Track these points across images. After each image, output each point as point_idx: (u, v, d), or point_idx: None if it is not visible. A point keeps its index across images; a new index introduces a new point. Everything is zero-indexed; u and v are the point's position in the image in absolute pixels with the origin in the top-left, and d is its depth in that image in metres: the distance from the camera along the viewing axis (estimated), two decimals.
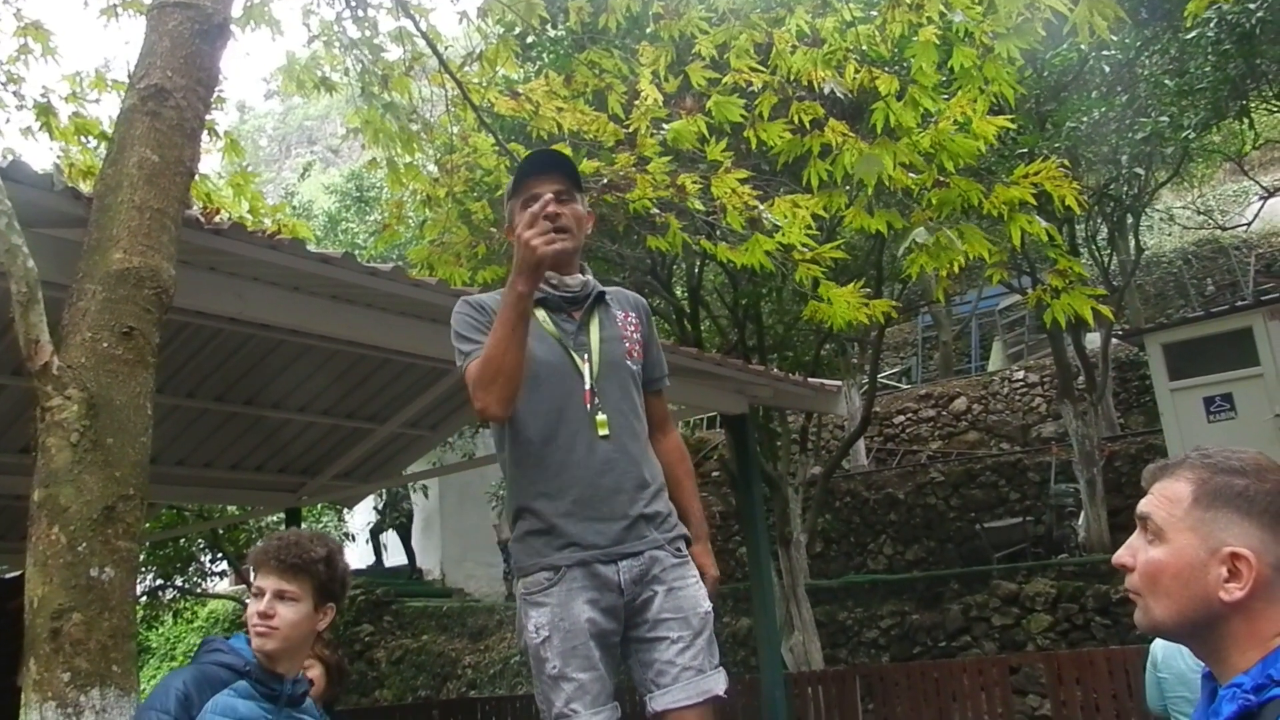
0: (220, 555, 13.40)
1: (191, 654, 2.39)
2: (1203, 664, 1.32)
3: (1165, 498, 1.31)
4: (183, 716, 2.10)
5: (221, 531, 12.46)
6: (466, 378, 2.40)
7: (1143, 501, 1.34)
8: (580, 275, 2.60)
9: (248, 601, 2.29)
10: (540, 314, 2.54)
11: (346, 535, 14.67)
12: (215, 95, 3.53)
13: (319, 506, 12.85)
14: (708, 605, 2.44)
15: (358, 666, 14.00)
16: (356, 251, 9.53)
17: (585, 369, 2.47)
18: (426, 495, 15.27)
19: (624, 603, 2.37)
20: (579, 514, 2.38)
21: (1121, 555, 1.34)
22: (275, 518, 11.74)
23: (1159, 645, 3.86)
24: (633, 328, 2.62)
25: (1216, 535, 1.26)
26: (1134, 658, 6.19)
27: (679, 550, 2.46)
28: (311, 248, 3.90)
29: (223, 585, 16.13)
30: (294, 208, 15.65)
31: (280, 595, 2.20)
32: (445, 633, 13.78)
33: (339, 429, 7.69)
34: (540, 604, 2.37)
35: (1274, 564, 1.24)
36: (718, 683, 2.37)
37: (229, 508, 11.36)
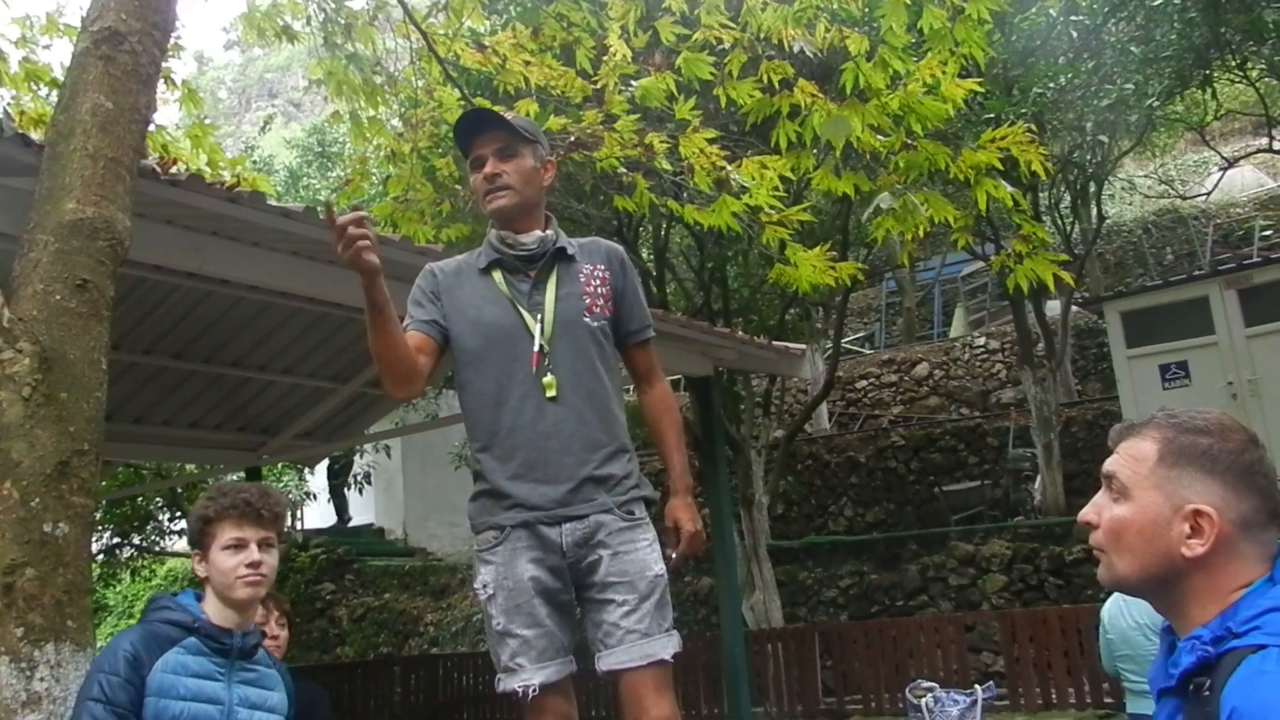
0: (179, 514, 13.27)
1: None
2: (1160, 619, 1.35)
3: (1130, 456, 1.33)
4: (133, 678, 2.08)
5: (180, 490, 12.34)
6: None
7: (1108, 460, 1.36)
8: (538, 231, 2.54)
9: (209, 556, 2.24)
10: (496, 275, 2.53)
11: (308, 495, 14.58)
12: (172, 41, 3.43)
13: (279, 466, 12.74)
14: (658, 569, 2.42)
15: (319, 624, 13.99)
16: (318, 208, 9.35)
17: (536, 329, 2.45)
18: (389, 455, 15.19)
19: (567, 565, 2.39)
20: (526, 476, 2.39)
21: (1086, 513, 1.36)
22: (235, 477, 11.65)
23: (1107, 606, 3.96)
24: (599, 281, 2.55)
25: (1180, 493, 1.28)
26: (1086, 616, 6.35)
27: (630, 513, 2.44)
28: (272, 202, 3.82)
29: (181, 544, 15.98)
30: (254, 162, 15.34)
31: (264, 544, 2.21)
32: (407, 591, 13.79)
33: (300, 388, 7.62)
34: (487, 562, 2.42)
35: (1235, 521, 1.26)
36: (664, 647, 2.37)
37: (188, 466, 11.24)
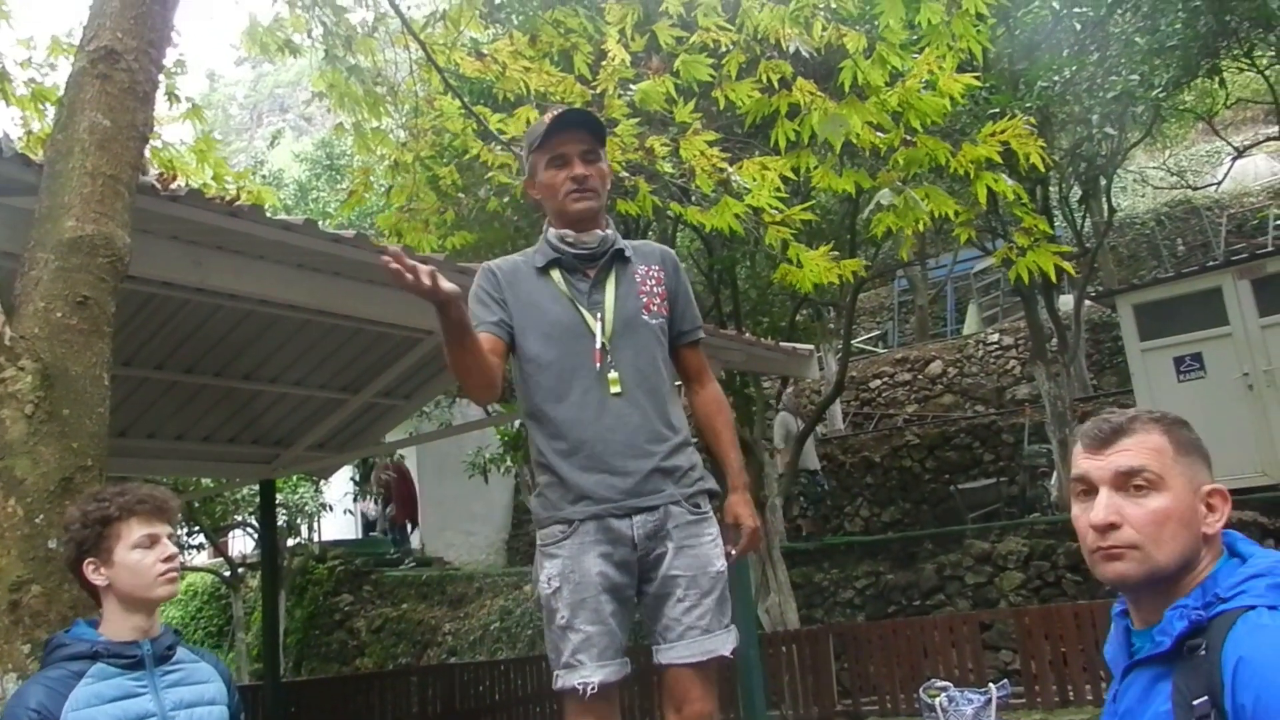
0: (197, 528, 13.34)
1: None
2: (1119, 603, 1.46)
3: (1150, 449, 1.37)
4: None
5: (197, 504, 12.40)
6: None
7: (1123, 456, 1.36)
8: (599, 231, 2.57)
9: (114, 559, 2.06)
10: (555, 274, 2.55)
11: (323, 506, 14.62)
12: (175, 59, 3.46)
13: (294, 477, 12.80)
14: (720, 565, 2.45)
15: (338, 636, 14.03)
16: (326, 221, 9.42)
17: (597, 327, 2.48)
18: None
19: (637, 557, 2.40)
20: (593, 469, 2.41)
21: (1107, 516, 1.35)
22: (250, 489, 11.70)
23: None
24: (654, 281, 2.59)
25: (1197, 478, 1.37)
26: (1102, 612, 6.30)
27: (696, 506, 2.47)
28: (272, 215, 3.84)
29: (201, 558, 16.09)
30: (264, 176, 15.44)
31: (172, 538, 2.15)
32: (425, 601, 13.81)
33: (312, 400, 7.64)
34: (553, 555, 2.41)
35: None
36: (724, 642, 2.40)
37: (203, 480, 11.29)
